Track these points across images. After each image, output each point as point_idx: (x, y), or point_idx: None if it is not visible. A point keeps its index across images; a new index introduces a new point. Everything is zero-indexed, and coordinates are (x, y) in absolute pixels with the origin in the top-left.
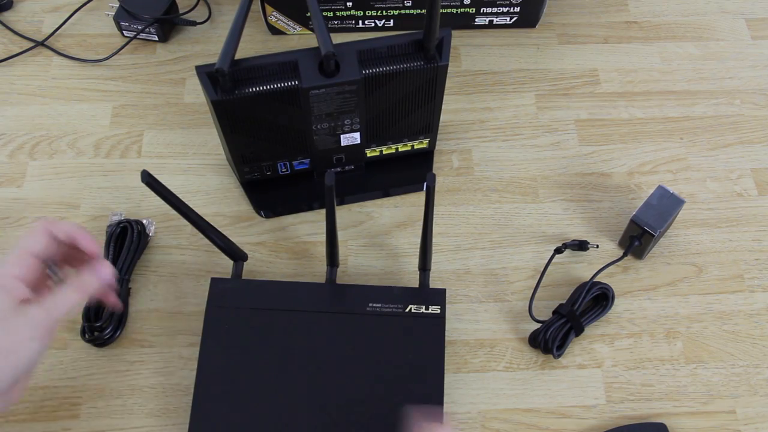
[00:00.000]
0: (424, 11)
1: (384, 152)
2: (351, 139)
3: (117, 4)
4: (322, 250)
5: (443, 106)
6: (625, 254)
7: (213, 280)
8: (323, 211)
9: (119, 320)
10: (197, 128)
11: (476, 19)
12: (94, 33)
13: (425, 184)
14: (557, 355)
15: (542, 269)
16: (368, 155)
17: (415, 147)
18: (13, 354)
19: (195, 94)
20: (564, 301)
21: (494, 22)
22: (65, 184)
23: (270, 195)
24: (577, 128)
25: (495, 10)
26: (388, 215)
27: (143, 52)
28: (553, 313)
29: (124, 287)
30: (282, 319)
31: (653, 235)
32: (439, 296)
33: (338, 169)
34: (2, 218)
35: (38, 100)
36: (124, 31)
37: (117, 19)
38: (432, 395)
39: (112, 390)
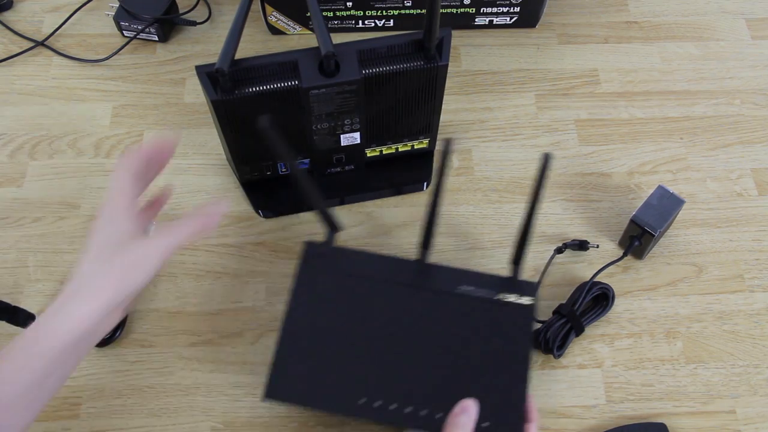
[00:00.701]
0: (424, 11)
1: (384, 152)
2: (351, 139)
3: (117, 4)
4: None
5: (443, 106)
6: (625, 254)
7: (307, 243)
8: None
9: (119, 320)
10: (197, 128)
11: (476, 19)
12: (94, 33)
13: (543, 162)
14: (557, 355)
15: (542, 269)
16: (368, 155)
17: (415, 147)
18: (140, 269)
19: (195, 94)
20: (564, 301)
21: (494, 22)
22: (65, 184)
23: (270, 195)
24: (577, 128)
25: (495, 10)
26: (388, 215)
27: (143, 52)
28: (554, 313)
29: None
30: (371, 288)
31: (653, 235)
32: (530, 288)
33: (338, 169)
34: (2, 218)
35: (38, 100)
36: (124, 31)
37: (117, 19)
38: (514, 385)
39: (112, 390)
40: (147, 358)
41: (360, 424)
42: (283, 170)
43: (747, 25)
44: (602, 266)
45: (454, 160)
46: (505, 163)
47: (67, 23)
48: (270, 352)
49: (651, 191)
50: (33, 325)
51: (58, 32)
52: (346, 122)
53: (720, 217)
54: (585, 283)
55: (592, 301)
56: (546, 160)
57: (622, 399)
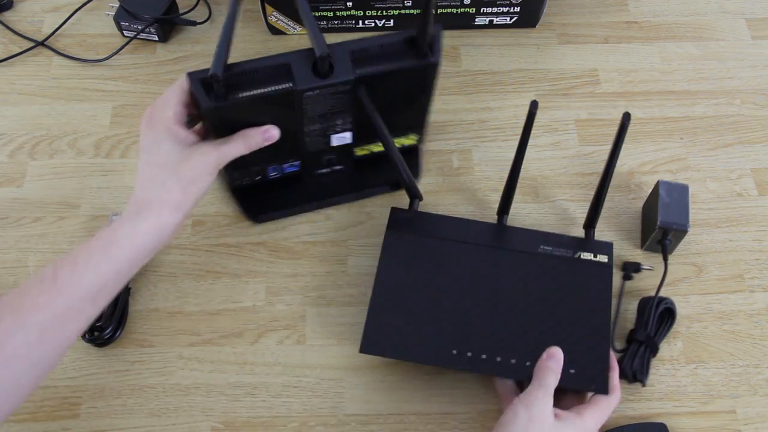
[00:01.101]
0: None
1: (374, 150)
2: (342, 138)
3: (117, 4)
4: (322, 249)
5: (443, 106)
6: (665, 260)
7: (393, 208)
8: (324, 212)
9: (119, 320)
10: None
11: (476, 19)
12: (94, 33)
13: (622, 122)
14: (646, 383)
15: (617, 302)
16: (358, 154)
17: (405, 144)
18: (195, 185)
19: None
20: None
21: (494, 22)
22: (65, 184)
23: (260, 199)
24: (577, 128)
25: (495, 10)
26: (387, 215)
27: (143, 52)
28: (629, 341)
29: (124, 287)
30: (454, 248)
31: (686, 231)
32: (606, 247)
33: (327, 170)
34: (2, 218)
35: (38, 100)
36: (124, 31)
37: (117, 19)
38: (597, 336)
39: (112, 390)
40: (147, 358)
41: (360, 422)
42: (273, 174)
43: (747, 25)
44: (659, 283)
45: (454, 160)
46: (505, 163)
47: (67, 23)
48: (270, 352)
49: (650, 190)
50: (107, 231)
51: (58, 32)
52: (338, 122)
53: (720, 217)
54: (648, 302)
55: (658, 317)
56: (626, 119)
57: (622, 399)
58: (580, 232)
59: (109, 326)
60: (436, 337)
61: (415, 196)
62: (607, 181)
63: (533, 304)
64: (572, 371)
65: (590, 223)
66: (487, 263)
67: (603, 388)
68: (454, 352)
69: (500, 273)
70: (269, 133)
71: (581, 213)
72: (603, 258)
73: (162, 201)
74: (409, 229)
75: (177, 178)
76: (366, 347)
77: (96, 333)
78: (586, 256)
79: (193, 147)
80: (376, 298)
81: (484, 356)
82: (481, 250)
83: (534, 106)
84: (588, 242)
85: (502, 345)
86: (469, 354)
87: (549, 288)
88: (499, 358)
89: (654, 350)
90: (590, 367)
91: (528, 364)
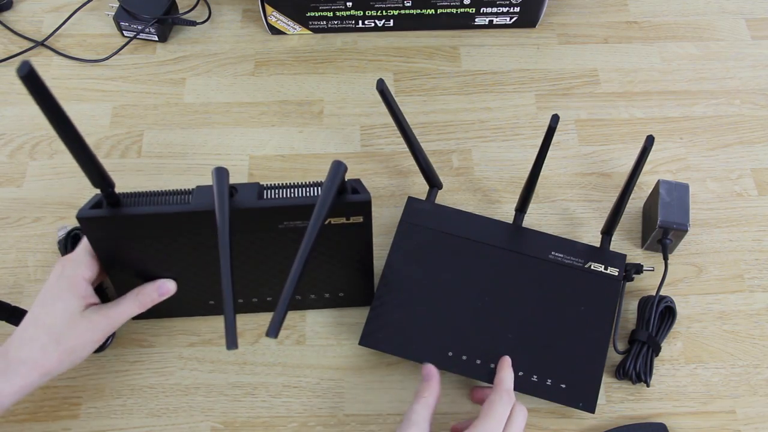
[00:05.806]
0: (423, 11)
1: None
2: None
3: (117, 4)
4: None
5: (443, 106)
6: (666, 259)
7: (409, 198)
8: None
9: None
10: (197, 128)
11: (476, 19)
12: (94, 33)
13: (644, 147)
14: (650, 383)
15: (618, 303)
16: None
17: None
18: (75, 354)
19: (195, 94)
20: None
21: (494, 22)
22: (65, 184)
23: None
24: (577, 128)
25: (495, 10)
26: (388, 215)
27: (143, 52)
28: (631, 342)
29: None
30: (466, 246)
31: (686, 230)
32: (619, 260)
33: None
34: (2, 218)
35: None
36: (124, 31)
37: (117, 19)
38: (594, 353)
39: (112, 390)
40: (147, 358)
41: (360, 422)
42: None
43: (747, 25)
44: (659, 282)
45: (454, 160)
46: (505, 163)
47: (67, 23)
48: (270, 352)
49: (650, 190)
50: None
51: (58, 32)
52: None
53: (720, 217)
54: (648, 301)
55: (659, 316)
56: (649, 143)
57: (622, 399)
58: (579, 233)
59: None
60: (434, 337)
61: (434, 184)
62: (629, 190)
63: (535, 312)
64: (563, 386)
65: (608, 230)
66: (495, 266)
67: (591, 407)
68: (450, 354)
69: (507, 277)
70: (165, 288)
71: (580, 214)
72: (614, 271)
73: (35, 365)
74: (424, 221)
75: (57, 344)
76: (365, 339)
77: None
78: (597, 267)
79: (85, 313)
80: (382, 289)
81: (478, 361)
82: (492, 251)
83: (555, 120)
84: (602, 252)
85: (497, 352)
86: (464, 357)
87: (554, 297)
88: (492, 365)
89: (656, 350)
90: (581, 383)
91: (521, 374)
